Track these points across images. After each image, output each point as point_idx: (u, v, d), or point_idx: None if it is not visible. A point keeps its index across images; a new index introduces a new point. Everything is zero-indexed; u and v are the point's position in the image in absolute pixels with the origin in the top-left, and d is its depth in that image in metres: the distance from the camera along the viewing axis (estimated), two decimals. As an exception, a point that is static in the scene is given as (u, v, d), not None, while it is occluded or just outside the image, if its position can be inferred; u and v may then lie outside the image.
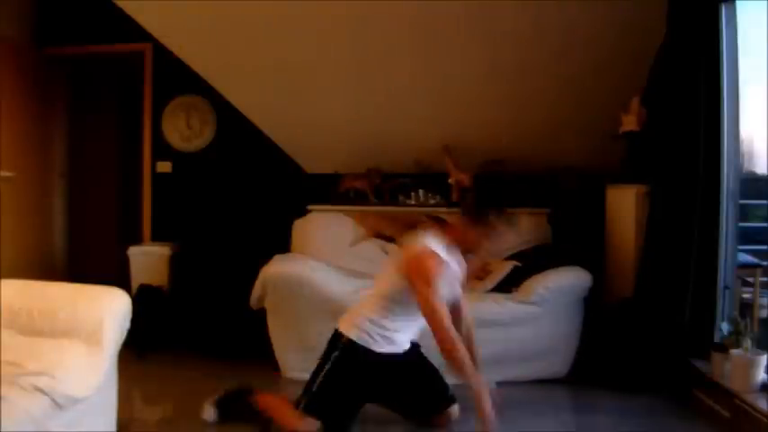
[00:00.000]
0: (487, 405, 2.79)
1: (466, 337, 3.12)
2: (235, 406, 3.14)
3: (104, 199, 6.52)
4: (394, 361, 3.08)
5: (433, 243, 2.99)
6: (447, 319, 2.87)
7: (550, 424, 3.38)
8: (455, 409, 3.17)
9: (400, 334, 3.09)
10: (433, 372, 3.20)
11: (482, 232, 3.02)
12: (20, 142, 5.11)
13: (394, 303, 3.02)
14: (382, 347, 3.04)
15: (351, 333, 3.04)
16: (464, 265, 3.15)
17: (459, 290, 3.15)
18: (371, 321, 3.04)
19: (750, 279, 3.74)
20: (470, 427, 3.06)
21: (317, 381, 3.00)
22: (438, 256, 2.95)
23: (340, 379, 3.01)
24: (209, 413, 3.13)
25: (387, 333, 3.05)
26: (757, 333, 3.28)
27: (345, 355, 3.02)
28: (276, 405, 3.06)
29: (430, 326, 2.89)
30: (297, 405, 2.99)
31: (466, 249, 3.10)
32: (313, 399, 2.98)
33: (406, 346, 3.15)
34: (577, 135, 4.66)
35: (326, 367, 3.01)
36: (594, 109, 4.44)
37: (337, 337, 3.08)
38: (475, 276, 4.33)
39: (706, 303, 3.51)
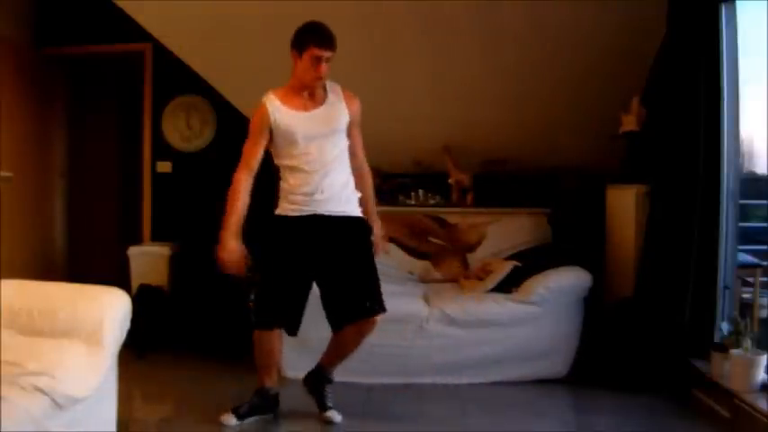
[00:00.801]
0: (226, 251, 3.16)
1: (358, 175, 3.22)
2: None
3: (104, 199, 6.52)
4: (314, 221, 3.10)
5: (271, 93, 3.12)
6: (242, 163, 3.21)
7: (550, 424, 3.38)
8: (378, 318, 3.12)
9: (298, 190, 3.14)
10: (366, 266, 3.16)
11: (297, 59, 3.06)
12: (20, 142, 5.10)
13: (282, 183, 3.19)
14: (292, 211, 3.14)
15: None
16: (322, 98, 3.14)
17: (314, 126, 3.09)
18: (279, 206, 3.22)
19: (750, 279, 3.74)
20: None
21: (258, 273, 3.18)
22: (262, 105, 3.08)
23: (271, 249, 3.18)
24: (230, 420, 3.15)
25: (287, 195, 3.18)
26: (757, 333, 3.28)
27: (271, 228, 3.22)
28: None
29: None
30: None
31: (304, 86, 3.10)
32: (257, 292, 3.20)
33: (326, 208, 3.11)
34: (578, 135, 4.66)
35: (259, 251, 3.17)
36: (595, 109, 4.44)
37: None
38: (475, 276, 4.33)
39: (706, 303, 3.51)
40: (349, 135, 3.19)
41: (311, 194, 3.09)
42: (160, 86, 5.45)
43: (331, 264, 3.12)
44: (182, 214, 5.49)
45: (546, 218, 4.76)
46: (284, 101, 3.08)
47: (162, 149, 5.49)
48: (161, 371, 4.08)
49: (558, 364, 3.88)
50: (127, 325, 2.57)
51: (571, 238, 4.60)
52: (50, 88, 5.61)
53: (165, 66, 5.26)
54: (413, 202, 5.02)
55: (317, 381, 3.30)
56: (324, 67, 3.01)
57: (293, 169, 3.13)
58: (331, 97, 3.14)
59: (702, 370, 3.41)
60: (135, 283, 4.92)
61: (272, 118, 3.07)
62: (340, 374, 3.78)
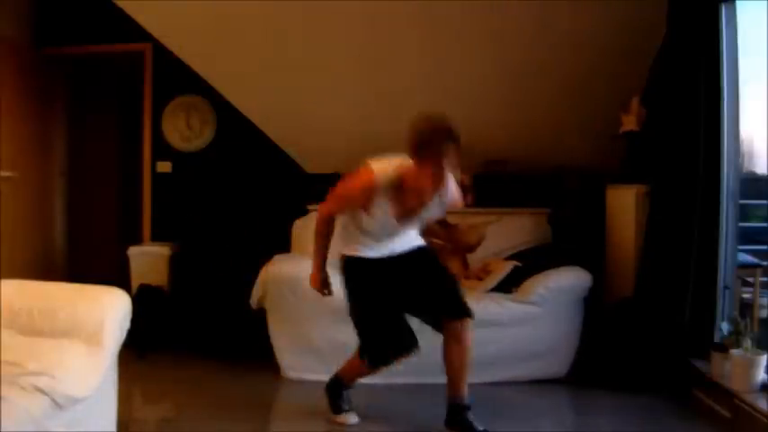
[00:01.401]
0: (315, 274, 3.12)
1: None
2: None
3: (104, 199, 6.52)
4: (389, 260, 3.07)
5: (381, 167, 2.86)
6: (334, 206, 3.02)
7: (550, 424, 3.38)
8: (468, 324, 3.05)
9: (375, 246, 3.06)
10: (442, 275, 3.14)
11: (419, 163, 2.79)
12: (20, 142, 5.10)
13: (349, 226, 3.08)
14: (369, 253, 3.06)
15: (340, 253, 3.14)
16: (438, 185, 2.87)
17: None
18: (347, 245, 3.12)
19: (750, 279, 3.74)
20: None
21: (353, 317, 3.11)
22: (370, 175, 2.83)
23: (357, 290, 3.09)
24: (351, 418, 3.22)
25: (364, 245, 3.07)
26: (757, 333, 3.28)
27: (348, 270, 3.11)
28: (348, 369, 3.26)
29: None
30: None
31: (433, 189, 2.85)
32: (361, 333, 3.10)
33: (398, 250, 3.09)
34: (578, 135, 4.66)
35: (347, 296, 3.12)
36: (594, 109, 4.44)
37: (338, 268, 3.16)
38: (475, 276, 4.33)
39: (706, 303, 3.51)
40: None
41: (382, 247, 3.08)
42: (160, 86, 5.45)
43: (414, 286, 3.09)
44: (182, 214, 5.49)
45: (546, 218, 4.76)
46: (393, 201, 2.86)
47: (162, 149, 5.49)
48: (161, 371, 4.08)
49: (557, 364, 3.88)
50: (127, 325, 2.57)
51: (571, 238, 4.60)
52: (50, 88, 5.61)
53: (165, 66, 5.26)
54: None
55: (456, 415, 3.05)
56: (447, 182, 2.81)
57: (367, 232, 3.04)
58: (447, 190, 2.92)
59: (702, 370, 3.41)
60: (135, 283, 4.92)
61: (375, 201, 2.87)
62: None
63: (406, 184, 2.83)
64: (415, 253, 3.13)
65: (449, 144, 2.70)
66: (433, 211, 3.05)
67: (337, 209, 3.04)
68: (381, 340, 3.07)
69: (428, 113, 2.80)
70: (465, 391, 3.06)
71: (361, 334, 3.10)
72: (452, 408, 3.05)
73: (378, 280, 3.08)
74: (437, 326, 3.11)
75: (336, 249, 3.13)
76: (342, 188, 3.00)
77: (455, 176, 3.01)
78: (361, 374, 3.24)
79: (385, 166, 2.85)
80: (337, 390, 3.27)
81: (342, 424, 3.18)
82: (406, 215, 2.93)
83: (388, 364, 3.15)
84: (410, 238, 3.14)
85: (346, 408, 3.24)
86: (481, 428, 3.00)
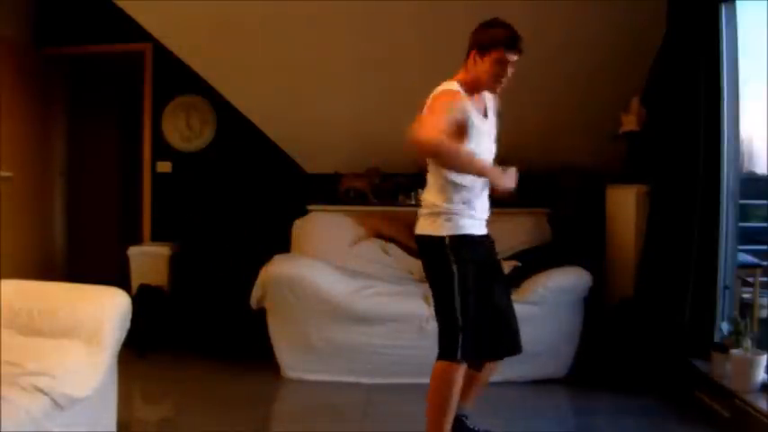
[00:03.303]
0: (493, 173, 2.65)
1: None
2: None
3: (104, 199, 6.52)
4: (489, 244, 2.82)
5: (453, 83, 2.72)
6: (437, 132, 2.51)
7: (550, 424, 3.38)
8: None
9: (475, 204, 2.76)
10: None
11: (478, 60, 2.70)
12: (19, 142, 5.10)
13: (443, 190, 2.72)
14: (473, 229, 2.73)
15: (439, 232, 2.70)
16: (491, 102, 2.80)
17: (490, 130, 2.79)
18: (437, 206, 2.72)
19: (750, 279, 3.74)
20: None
21: (449, 304, 2.65)
22: (448, 90, 2.66)
23: (468, 271, 2.66)
24: None
25: (465, 212, 2.72)
26: (757, 333, 3.28)
27: (456, 249, 2.68)
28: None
29: (412, 139, 2.55)
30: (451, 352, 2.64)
31: (479, 88, 2.74)
32: (456, 322, 2.63)
33: (484, 228, 2.81)
34: (577, 135, 4.66)
35: (455, 278, 2.64)
36: (594, 109, 4.44)
37: (434, 243, 2.70)
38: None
39: (706, 303, 3.51)
40: None
41: (482, 213, 2.79)
42: (160, 86, 5.45)
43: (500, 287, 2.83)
44: (182, 214, 5.49)
45: (546, 218, 4.76)
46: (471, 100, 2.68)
47: (162, 149, 5.49)
48: (161, 371, 4.08)
49: (557, 364, 3.88)
50: (127, 325, 2.57)
51: (571, 238, 4.60)
52: (50, 88, 5.60)
53: (165, 66, 5.26)
54: (413, 202, 5.01)
55: (456, 421, 2.87)
56: (509, 72, 2.69)
57: (466, 185, 2.71)
58: (490, 103, 2.83)
59: (703, 370, 3.41)
60: (135, 283, 4.92)
61: (467, 114, 2.64)
62: (341, 374, 3.79)
63: (466, 81, 2.72)
64: (493, 247, 2.86)
65: (505, 44, 2.67)
66: (495, 122, 2.83)
67: (444, 126, 2.54)
68: (481, 331, 2.67)
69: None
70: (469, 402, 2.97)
71: (454, 324, 2.64)
72: (459, 421, 2.93)
73: (485, 265, 2.75)
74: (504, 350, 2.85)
75: (426, 230, 2.73)
76: (437, 107, 2.62)
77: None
78: (454, 382, 2.66)
79: (448, 83, 2.73)
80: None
81: None
82: (482, 110, 2.75)
83: (479, 358, 2.76)
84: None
85: None
86: (482, 429, 3.00)
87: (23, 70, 5.17)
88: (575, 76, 4.39)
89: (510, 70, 2.70)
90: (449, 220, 2.70)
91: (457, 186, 2.70)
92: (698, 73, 3.49)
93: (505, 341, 2.83)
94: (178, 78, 5.23)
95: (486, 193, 2.81)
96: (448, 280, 2.66)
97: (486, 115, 2.79)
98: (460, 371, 2.65)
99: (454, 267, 2.65)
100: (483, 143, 2.74)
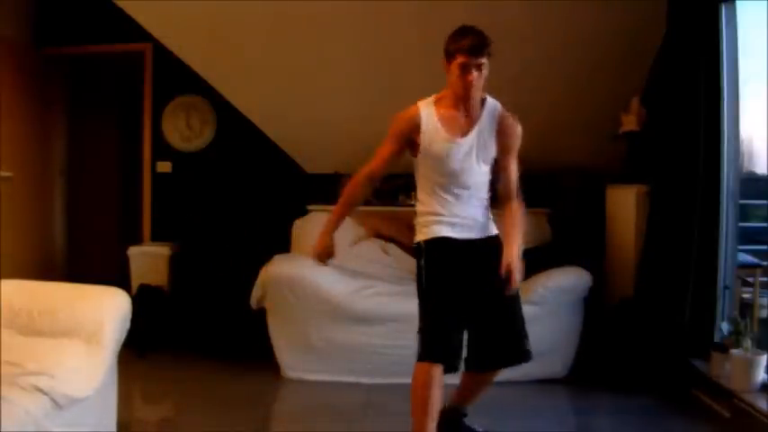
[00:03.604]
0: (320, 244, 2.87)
1: (506, 209, 2.89)
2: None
3: (104, 199, 6.52)
4: (470, 247, 2.78)
5: (424, 101, 2.83)
6: (368, 167, 2.81)
7: (550, 424, 3.38)
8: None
9: (450, 210, 2.80)
10: (514, 306, 2.82)
11: (448, 70, 2.76)
12: (20, 142, 5.10)
13: (420, 180, 2.85)
14: (449, 232, 2.77)
15: (418, 238, 2.82)
16: (471, 81, 2.74)
17: (461, 153, 2.78)
18: (421, 214, 2.84)
19: (750, 279, 3.74)
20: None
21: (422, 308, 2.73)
22: (409, 110, 2.81)
23: (436, 276, 2.73)
24: None
25: (438, 218, 2.79)
26: (757, 333, 3.28)
27: (429, 253, 2.76)
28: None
29: None
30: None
31: (458, 96, 2.78)
32: (423, 327, 2.69)
33: (471, 233, 2.81)
34: (577, 135, 4.66)
35: (424, 283, 2.74)
36: (594, 109, 4.44)
37: (416, 249, 2.84)
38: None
39: (706, 303, 3.51)
40: (501, 165, 2.89)
41: (462, 217, 2.81)
42: (160, 86, 5.45)
43: (484, 294, 2.78)
44: (182, 214, 5.49)
45: (546, 218, 4.76)
46: (439, 115, 2.78)
47: (162, 149, 5.49)
48: (161, 371, 4.08)
49: (557, 364, 3.88)
50: (127, 325, 2.57)
51: (571, 238, 4.59)
52: (50, 88, 5.60)
53: (165, 66, 5.26)
54: (412, 203, 5.00)
55: (455, 420, 2.96)
56: (473, 75, 2.69)
57: (437, 191, 2.80)
58: (484, 119, 2.82)
59: (702, 370, 3.41)
60: (135, 283, 4.92)
61: (421, 124, 2.77)
62: (341, 374, 3.79)
63: (447, 96, 2.80)
64: (492, 252, 2.77)
65: (460, 47, 2.71)
66: (483, 145, 2.82)
67: (377, 161, 2.80)
68: (440, 336, 2.69)
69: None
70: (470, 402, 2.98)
71: (423, 327, 2.71)
72: (454, 413, 2.96)
73: (457, 272, 2.74)
74: (473, 362, 2.83)
75: (416, 238, 2.83)
76: (389, 133, 2.84)
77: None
78: (422, 382, 2.67)
79: (424, 100, 2.86)
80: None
81: None
82: (454, 129, 2.77)
83: (435, 360, 2.67)
84: (483, 211, 2.86)
85: None
86: (481, 430, 2.99)
87: (23, 70, 5.17)
88: (575, 76, 4.38)
89: (476, 74, 2.71)
90: (426, 225, 2.80)
91: (435, 193, 2.80)
92: (698, 73, 3.49)
93: (496, 351, 2.83)
94: (178, 78, 5.23)
95: (473, 200, 2.83)
96: (419, 283, 2.77)
97: (465, 133, 2.77)
98: (429, 371, 2.63)
99: (423, 271, 2.75)
100: (440, 165, 2.76)
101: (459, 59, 2.71)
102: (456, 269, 2.75)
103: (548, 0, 3.94)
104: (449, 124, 2.77)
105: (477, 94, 2.78)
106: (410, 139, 2.79)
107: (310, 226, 4.74)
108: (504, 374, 3.74)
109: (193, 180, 5.49)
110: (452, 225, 2.79)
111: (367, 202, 4.97)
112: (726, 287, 3.53)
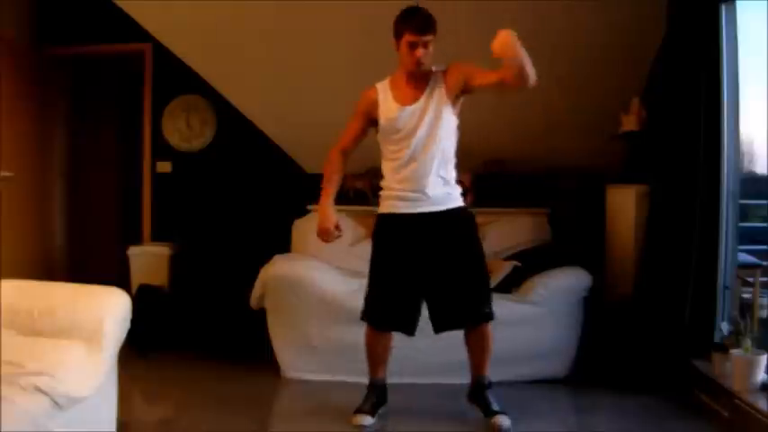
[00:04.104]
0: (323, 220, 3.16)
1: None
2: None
3: (104, 199, 6.51)
4: (424, 220, 3.05)
5: (381, 82, 3.16)
6: (339, 142, 3.21)
7: (550, 424, 3.38)
8: (488, 329, 3.14)
9: (403, 182, 3.06)
10: (471, 269, 3.10)
11: (398, 48, 3.05)
12: (20, 142, 5.10)
13: (382, 155, 3.16)
14: (402, 207, 3.08)
15: (378, 212, 3.22)
16: (418, 58, 2.99)
17: (412, 120, 3.02)
18: (382, 188, 3.19)
19: (750, 279, 3.74)
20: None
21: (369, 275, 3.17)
22: (367, 90, 3.14)
23: (381, 251, 3.15)
24: (365, 419, 3.16)
25: (390, 191, 3.12)
26: (757, 333, 3.28)
27: (379, 227, 3.19)
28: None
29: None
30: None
31: (409, 71, 3.06)
32: (368, 292, 3.16)
33: (425, 206, 3.05)
34: (577, 135, 4.66)
35: (372, 254, 3.19)
36: (594, 109, 4.44)
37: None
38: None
39: (706, 303, 3.51)
40: (477, 83, 3.07)
41: (414, 191, 3.05)
42: (160, 86, 5.45)
43: (438, 264, 3.07)
44: (182, 214, 5.49)
45: (546, 218, 4.76)
46: (392, 89, 3.10)
47: (162, 149, 5.50)
48: (161, 371, 4.08)
49: (558, 364, 3.88)
50: (127, 325, 2.57)
51: (571, 238, 4.60)
52: (50, 88, 5.60)
53: (165, 66, 5.26)
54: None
55: (477, 390, 3.22)
56: (420, 51, 2.96)
57: (394, 161, 3.09)
58: (432, 86, 3.06)
59: (702, 370, 3.41)
60: (135, 283, 4.92)
61: (379, 103, 3.09)
62: (341, 374, 3.79)
63: (399, 75, 3.11)
64: (453, 223, 3.07)
65: (407, 26, 2.98)
66: (434, 108, 3.03)
67: (345, 137, 3.19)
68: (383, 305, 3.14)
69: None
70: (487, 370, 3.19)
71: (367, 293, 3.17)
72: (475, 383, 3.22)
73: (406, 247, 3.07)
74: (439, 325, 3.16)
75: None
76: (353, 113, 3.18)
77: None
78: (366, 341, 3.24)
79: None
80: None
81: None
82: (405, 98, 3.05)
83: (377, 327, 3.19)
84: (444, 184, 3.07)
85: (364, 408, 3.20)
86: (496, 409, 3.11)
87: (23, 70, 5.17)
88: (575, 76, 4.38)
89: (423, 51, 2.97)
90: (383, 199, 3.17)
91: (386, 163, 3.13)
92: (698, 73, 3.49)
93: (452, 314, 3.12)
94: (178, 78, 5.23)
95: (416, 165, 3.03)
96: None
97: (414, 100, 3.04)
98: (370, 332, 3.20)
99: (372, 243, 3.19)
100: (391, 132, 3.06)
101: (407, 38, 2.97)
102: (403, 243, 3.07)
103: (548, 0, 3.94)
104: (399, 95, 3.07)
105: (426, 67, 3.03)
106: (370, 116, 3.12)
107: (310, 226, 4.73)
108: (505, 375, 3.77)
109: (193, 180, 5.49)
110: (404, 199, 3.07)
111: (367, 203, 4.99)
112: (726, 287, 3.53)
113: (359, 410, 3.18)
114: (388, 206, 3.13)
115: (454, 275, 3.07)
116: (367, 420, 3.15)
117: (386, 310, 3.15)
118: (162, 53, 5.01)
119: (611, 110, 4.26)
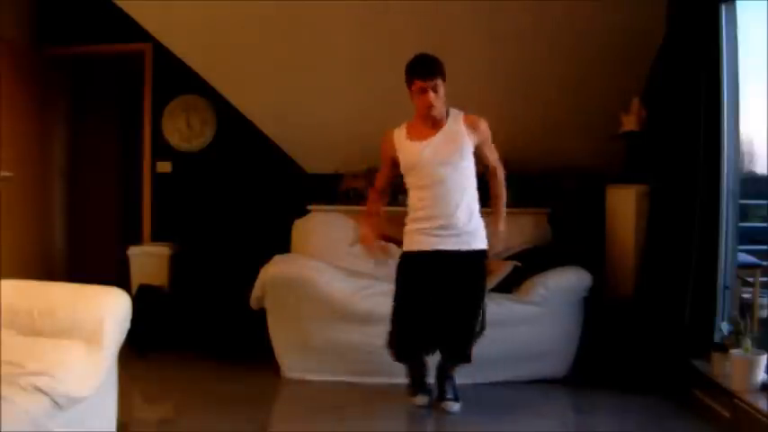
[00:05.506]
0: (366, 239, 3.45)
1: (490, 175, 3.42)
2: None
3: (104, 199, 6.51)
4: (440, 259, 3.21)
5: (398, 127, 3.34)
6: (376, 186, 3.52)
7: (550, 424, 3.38)
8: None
9: (427, 213, 3.23)
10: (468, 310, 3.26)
11: (411, 97, 3.22)
12: (20, 142, 5.10)
13: (408, 191, 3.36)
14: (414, 245, 3.27)
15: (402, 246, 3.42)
16: (429, 102, 3.15)
17: (428, 152, 3.19)
18: (407, 222, 3.36)
19: (750, 279, 3.75)
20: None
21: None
22: (386, 135, 3.34)
23: (401, 283, 3.33)
24: (423, 399, 3.39)
25: (414, 224, 3.29)
26: (757, 333, 3.28)
27: (401, 265, 3.36)
28: None
29: None
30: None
31: (422, 115, 3.22)
32: (391, 314, 3.32)
33: (448, 243, 3.20)
34: (577, 135, 4.66)
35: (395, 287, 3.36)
36: (594, 109, 4.44)
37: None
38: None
39: (706, 303, 3.51)
40: (480, 155, 3.30)
41: (439, 224, 3.20)
42: (160, 86, 5.45)
43: (445, 297, 3.23)
44: (182, 214, 5.49)
45: (546, 218, 4.76)
46: (408, 131, 3.28)
47: (162, 149, 5.49)
48: (161, 371, 4.09)
49: (558, 364, 3.88)
50: (127, 325, 2.57)
51: (571, 238, 4.59)
52: (50, 88, 5.60)
53: (165, 66, 5.26)
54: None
55: (440, 372, 3.46)
56: (430, 96, 3.10)
57: (418, 196, 3.28)
58: (450, 124, 3.22)
59: (702, 370, 3.41)
60: (135, 283, 4.92)
61: (397, 145, 3.28)
62: (341, 374, 3.79)
63: (414, 118, 3.28)
64: (470, 266, 3.22)
65: (414, 74, 3.14)
66: (456, 145, 3.18)
67: (378, 181, 3.50)
68: (401, 335, 3.31)
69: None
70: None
71: (391, 328, 3.33)
72: (441, 368, 3.43)
73: (427, 285, 3.23)
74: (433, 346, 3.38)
75: None
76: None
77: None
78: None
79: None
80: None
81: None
82: (423, 135, 3.21)
83: (399, 359, 3.40)
84: (470, 216, 3.23)
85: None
86: (448, 396, 3.36)
87: (24, 70, 5.17)
88: (575, 76, 4.38)
89: (432, 95, 3.11)
90: (406, 234, 3.32)
91: (415, 197, 3.29)
92: (698, 73, 3.49)
93: (444, 346, 3.34)
94: (178, 78, 5.23)
95: (438, 200, 3.21)
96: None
97: (429, 137, 3.20)
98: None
99: (395, 277, 3.33)
100: (417, 172, 3.23)
101: (416, 85, 3.14)
102: (425, 281, 3.23)
103: (548, 0, 3.94)
104: (416, 134, 3.24)
105: (438, 110, 3.18)
106: (392, 157, 3.31)
107: (310, 226, 4.75)
108: (505, 375, 3.78)
109: (193, 180, 5.49)
110: (428, 234, 3.20)
111: (366, 203, 5.00)
112: (726, 287, 3.53)
113: (413, 392, 3.42)
114: (411, 242, 3.28)
115: (455, 312, 3.23)
116: (424, 400, 3.38)
117: (408, 344, 3.34)
118: (162, 53, 5.01)
119: (611, 110, 4.26)
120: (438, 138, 3.19)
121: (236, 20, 4.31)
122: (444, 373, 3.43)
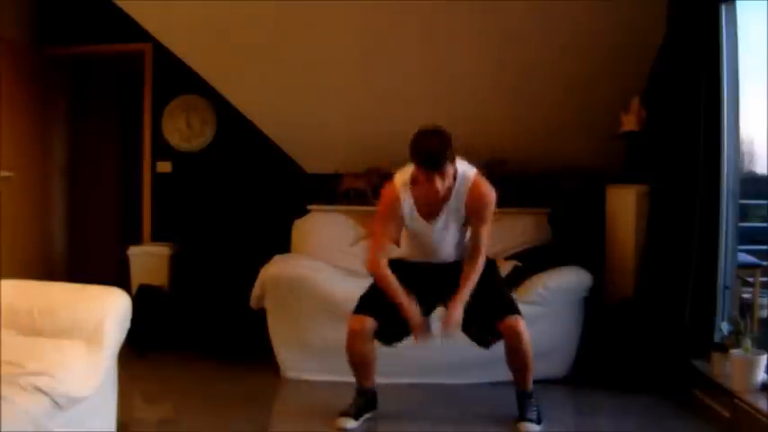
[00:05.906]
0: (412, 319, 3.07)
1: (468, 258, 3.14)
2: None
3: (104, 199, 6.52)
4: (430, 266, 3.19)
5: (401, 174, 3.10)
6: (376, 247, 3.13)
7: (550, 424, 3.37)
8: (519, 321, 3.11)
9: (411, 253, 3.24)
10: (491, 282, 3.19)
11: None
12: (20, 142, 5.10)
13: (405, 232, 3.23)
14: (403, 256, 3.24)
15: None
16: (436, 189, 2.95)
17: (437, 228, 3.10)
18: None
19: (750, 279, 3.74)
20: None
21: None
22: (391, 187, 3.09)
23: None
24: (348, 422, 3.16)
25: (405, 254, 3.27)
26: (757, 333, 3.28)
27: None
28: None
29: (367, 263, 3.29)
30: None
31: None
32: (361, 298, 3.21)
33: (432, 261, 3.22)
34: (578, 135, 4.66)
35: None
36: (595, 109, 4.44)
37: None
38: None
39: (706, 303, 3.51)
40: (473, 227, 3.12)
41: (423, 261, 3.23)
42: (160, 86, 5.45)
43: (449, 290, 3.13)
44: (182, 214, 5.49)
45: (546, 218, 4.76)
46: (415, 198, 3.05)
47: (162, 149, 5.49)
48: (161, 371, 4.08)
49: (558, 364, 3.87)
50: (127, 325, 2.57)
51: (571, 238, 4.59)
52: (51, 88, 5.61)
53: (165, 66, 5.26)
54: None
55: (520, 398, 3.23)
56: (437, 184, 2.89)
57: (413, 244, 3.24)
58: (456, 196, 3.03)
59: (702, 370, 3.41)
60: (135, 283, 4.92)
61: (403, 210, 3.06)
62: (341, 374, 3.78)
63: (419, 181, 3.00)
64: (457, 271, 3.14)
65: (419, 163, 2.91)
66: (455, 216, 3.08)
67: (377, 246, 3.13)
68: (371, 302, 3.16)
69: (430, 125, 2.97)
70: (528, 385, 3.20)
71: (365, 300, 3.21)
72: (518, 394, 3.21)
73: (412, 277, 3.14)
74: (482, 340, 3.24)
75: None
76: (375, 219, 3.19)
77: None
78: (351, 336, 3.18)
79: (402, 171, 3.10)
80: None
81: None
82: (430, 211, 3.06)
83: (360, 316, 3.18)
84: (456, 249, 3.20)
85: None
86: (528, 417, 3.14)
87: (24, 70, 5.17)
88: (575, 77, 4.38)
89: (439, 181, 2.90)
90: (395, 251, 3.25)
91: (406, 238, 3.24)
92: (698, 73, 3.49)
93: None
94: (178, 78, 5.23)
95: (435, 250, 3.19)
96: None
97: (437, 215, 3.07)
98: (353, 323, 3.16)
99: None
100: (420, 237, 3.15)
101: (422, 173, 2.92)
102: (410, 278, 3.11)
103: (548, 1, 3.94)
104: (423, 207, 3.06)
105: (444, 189, 2.96)
106: (397, 216, 3.07)
107: (310, 226, 4.75)
108: (505, 375, 3.76)
109: (193, 180, 5.49)
110: (417, 259, 3.22)
111: (367, 203, 5.00)
112: (726, 287, 3.53)
113: (344, 414, 3.17)
114: (404, 255, 3.26)
115: (475, 298, 3.11)
116: (351, 423, 3.14)
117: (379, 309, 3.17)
118: (162, 53, 5.01)
119: (611, 110, 4.26)
120: (444, 216, 3.07)
121: (236, 20, 4.31)
122: (524, 393, 3.20)
